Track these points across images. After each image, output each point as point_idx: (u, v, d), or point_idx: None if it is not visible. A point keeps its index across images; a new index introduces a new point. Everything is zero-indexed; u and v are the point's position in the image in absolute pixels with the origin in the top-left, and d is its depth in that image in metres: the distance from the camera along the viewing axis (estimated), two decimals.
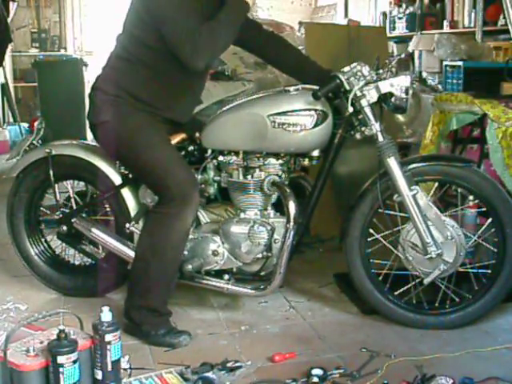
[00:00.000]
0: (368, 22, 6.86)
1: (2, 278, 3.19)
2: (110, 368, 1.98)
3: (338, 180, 3.45)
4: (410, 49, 5.78)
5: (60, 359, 1.87)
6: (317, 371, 2.17)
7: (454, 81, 4.33)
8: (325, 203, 2.92)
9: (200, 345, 2.47)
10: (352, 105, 2.45)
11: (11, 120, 7.35)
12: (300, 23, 4.80)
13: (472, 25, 5.26)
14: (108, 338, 1.97)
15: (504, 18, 4.55)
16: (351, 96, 2.42)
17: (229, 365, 2.24)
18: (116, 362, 2.00)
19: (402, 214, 2.52)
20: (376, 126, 2.45)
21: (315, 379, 2.14)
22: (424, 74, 5.33)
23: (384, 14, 6.58)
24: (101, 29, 7.89)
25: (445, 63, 4.65)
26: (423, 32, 5.84)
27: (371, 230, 2.60)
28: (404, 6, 6.21)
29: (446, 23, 5.61)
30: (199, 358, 2.28)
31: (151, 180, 2.52)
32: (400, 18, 6.21)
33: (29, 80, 7.57)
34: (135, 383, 2.12)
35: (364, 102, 2.44)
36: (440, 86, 4.79)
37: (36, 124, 2.97)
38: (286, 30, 4.71)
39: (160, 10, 2.36)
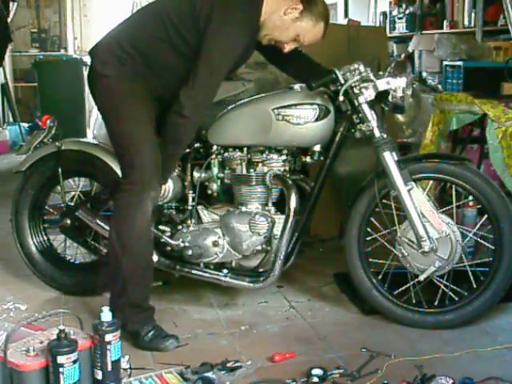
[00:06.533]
0: (368, 22, 6.87)
1: (2, 277, 3.19)
2: (110, 368, 1.98)
3: (338, 180, 3.46)
4: (410, 49, 5.79)
5: (60, 359, 1.87)
6: (317, 371, 2.17)
7: (454, 81, 4.33)
8: (325, 203, 2.93)
9: (200, 345, 2.47)
10: (350, 101, 2.51)
11: (11, 120, 7.36)
12: None
13: (472, 25, 5.27)
14: (108, 337, 1.97)
15: (504, 18, 4.56)
16: (344, 88, 2.48)
17: (229, 365, 2.23)
18: (116, 362, 2.00)
19: (398, 213, 2.53)
20: (373, 123, 2.49)
21: (315, 379, 2.14)
22: (424, 74, 5.33)
23: (384, 13, 6.60)
24: (101, 29, 7.89)
25: (445, 63, 4.66)
26: (423, 32, 5.84)
27: (369, 229, 2.62)
28: (404, 5, 6.22)
29: (445, 23, 5.62)
30: (199, 358, 2.28)
31: (122, 152, 2.51)
32: (400, 18, 6.22)
33: (29, 80, 7.59)
34: (135, 383, 2.12)
35: (362, 99, 2.49)
36: (440, 86, 4.80)
37: (48, 122, 2.95)
38: None
39: (210, 50, 2.38)
